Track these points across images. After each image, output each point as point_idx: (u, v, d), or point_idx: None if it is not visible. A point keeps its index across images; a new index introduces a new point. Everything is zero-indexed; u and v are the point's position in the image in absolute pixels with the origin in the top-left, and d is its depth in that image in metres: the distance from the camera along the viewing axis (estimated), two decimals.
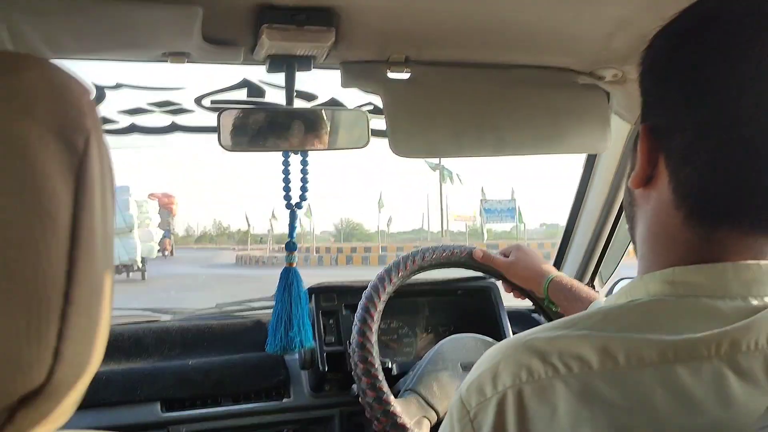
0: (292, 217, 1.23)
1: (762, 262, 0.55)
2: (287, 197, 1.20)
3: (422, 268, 1.37)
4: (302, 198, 1.21)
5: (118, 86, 1.16)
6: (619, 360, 0.51)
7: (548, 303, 1.28)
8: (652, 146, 0.57)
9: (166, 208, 24.56)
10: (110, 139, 1.29)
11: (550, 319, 1.32)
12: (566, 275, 1.31)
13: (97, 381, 1.32)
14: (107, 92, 1.16)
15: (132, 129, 1.23)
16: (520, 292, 1.36)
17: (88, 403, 1.31)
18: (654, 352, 0.51)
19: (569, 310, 1.21)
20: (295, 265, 1.27)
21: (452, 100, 1.18)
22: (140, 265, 17.63)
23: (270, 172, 1.25)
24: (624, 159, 1.43)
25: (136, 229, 17.81)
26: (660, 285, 0.56)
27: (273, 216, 28.94)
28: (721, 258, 0.55)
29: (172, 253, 25.87)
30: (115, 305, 0.42)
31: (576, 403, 0.50)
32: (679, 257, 0.56)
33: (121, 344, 1.50)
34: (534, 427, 0.51)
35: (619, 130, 1.38)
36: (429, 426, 1.24)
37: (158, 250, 20.75)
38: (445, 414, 1.23)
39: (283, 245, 1.32)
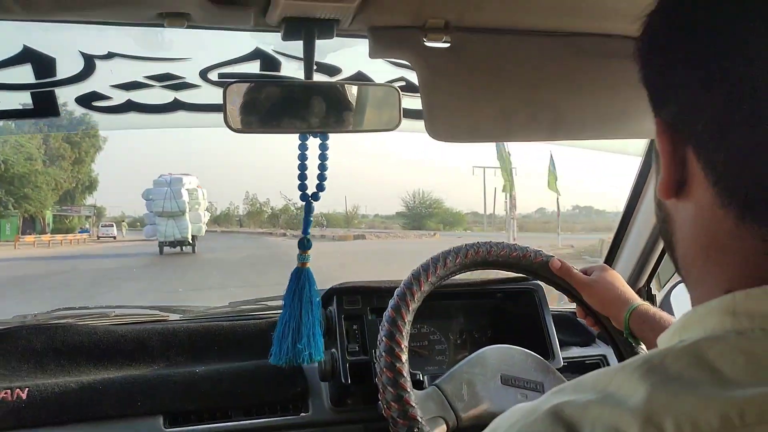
0: (307, 210, 1.06)
1: None
2: (302, 186, 1.03)
3: (476, 265, 1.16)
4: (319, 188, 1.04)
5: (109, 56, 1.00)
6: None
7: (628, 335, 1.10)
8: (674, 142, 0.45)
9: None
10: (105, 119, 1.14)
11: (620, 354, 1.14)
12: (651, 305, 1.10)
13: (91, 391, 1.18)
14: (97, 62, 1.00)
15: (128, 107, 1.07)
16: (594, 318, 1.18)
17: (78, 417, 1.18)
18: (714, 417, 0.36)
19: (654, 345, 1.04)
20: (308, 265, 1.10)
21: (500, 74, 0.99)
22: (191, 241, 23.32)
23: None
24: None
25: (188, 213, 23.51)
26: (718, 318, 0.42)
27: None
28: None
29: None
30: None
31: None
32: (738, 276, 0.43)
33: (123, 347, 1.37)
34: None
35: None
36: (445, 429, 1.07)
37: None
38: (467, 422, 1.09)
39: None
